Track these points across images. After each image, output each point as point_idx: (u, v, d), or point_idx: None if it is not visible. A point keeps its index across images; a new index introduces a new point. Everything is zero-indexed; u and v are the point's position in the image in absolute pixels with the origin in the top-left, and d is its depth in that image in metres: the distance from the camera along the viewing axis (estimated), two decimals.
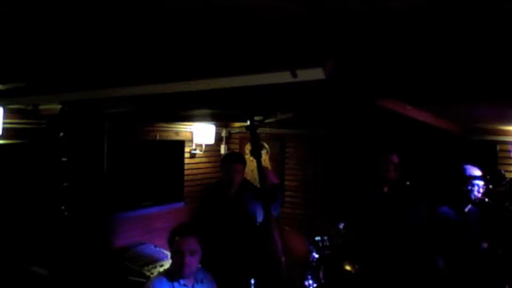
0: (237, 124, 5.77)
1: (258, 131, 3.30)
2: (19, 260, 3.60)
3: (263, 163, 3.72)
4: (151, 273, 3.94)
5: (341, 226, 4.38)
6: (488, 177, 3.25)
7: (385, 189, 3.10)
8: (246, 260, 3.39)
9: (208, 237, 2.73)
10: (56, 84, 2.43)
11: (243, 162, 3.65)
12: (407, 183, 3.20)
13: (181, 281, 2.50)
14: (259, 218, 3.58)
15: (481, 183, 3.25)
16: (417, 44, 1.46)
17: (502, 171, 3.33)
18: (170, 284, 2.47)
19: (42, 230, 3.72)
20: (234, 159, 3.69)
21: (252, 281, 3.37)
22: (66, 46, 1.65)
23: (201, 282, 2.60)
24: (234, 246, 3.38)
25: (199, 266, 2.61)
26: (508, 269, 3.16)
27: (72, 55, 1.80)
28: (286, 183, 5.78)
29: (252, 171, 5.68)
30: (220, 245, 3.30)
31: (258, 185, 3.44)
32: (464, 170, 3.29)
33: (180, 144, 5.52)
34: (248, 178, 4.03)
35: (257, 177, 3.31)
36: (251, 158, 3.39)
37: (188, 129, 5.53)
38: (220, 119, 5.47)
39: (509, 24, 1.15)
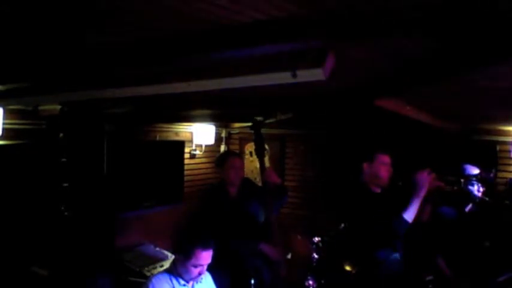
0: (237, 124, 5.77)
1: None
2: (19, 260, 3.60)
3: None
4: (151, 274, 3.94)
5: (341, 226, 4.38)
6: (479, 176, 3.24)
7: (378, 190, 3.08)
8: (247, 260, 3.39)
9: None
10: (56, 84, 2.43)
11: (240, 157, 3.65)
12: (400, 183, 3.18)
13: (182, 280, 2.50)
14: (261, 218, 3.57)
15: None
16: (417, 44, 1.47)
17: (491, 174, 3.31)
18: (170, 282, 2.48)
19: (42, 230, 3.72)
20: (230, 154, 3.69)
21: (252, 281, 3.37)
22: (66, 46, 1.65)
23: (200, 281, 2.61)
24: (235, 246, 3.37)
25: None
26: (509, 267, 3.16)
27: (72, 55, 1.80)
28: (286, 183, 5.77)
29: (252, 171, 5.69)
30: (222, 246, 3.29)
31: (260, 185, 3.43)
32: (463, 170, 3.30)
33: (180, 144, 5.52)
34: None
35: (257, 178, 3.31)
36: (251, 159, 3.39)
37: (188, 130, 5.53)
38: (220, 119, 5.47)
39: (508, 24, 1.15)
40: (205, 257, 2.45)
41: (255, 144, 3.26)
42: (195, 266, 2.44)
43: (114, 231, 4.19)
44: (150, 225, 4.98)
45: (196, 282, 2.58)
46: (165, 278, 2.49)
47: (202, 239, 2.48)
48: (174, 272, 2.52)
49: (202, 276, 2.61)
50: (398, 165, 3.11)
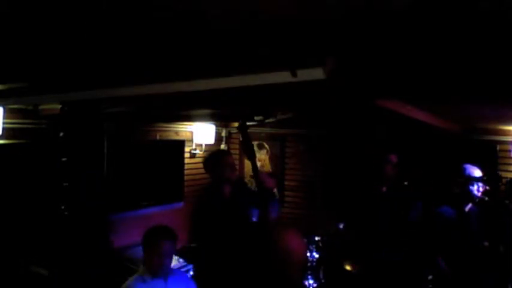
0: (237, 124, 5.76)
1: (257, 131, 3.29)
2: (19, 260, 3.60)
3: (263, 163, 3.70)
4: None
5: (341, 226, 4.38)
6: (485, 178, 3.25)
7: (384, 188, 3.10)
8: (245, 262, 3.38)
9: (207, 241, 2.73)
10: (56, 84, 2.44)
11: (231, 154, 3.65)
12: (405, 182, 3.20)
13: (155, 280, 2.61)
14: (256, 218, 3.55)
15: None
16: (418, 44, 1.46)
17: (499, 173, 3.33)
18: (143, 280, 2.60)
19: (42, 230, 3.72)
20: (222, 153, 3.68)
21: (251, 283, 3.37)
22: (66, 46, 1.65)
23: (173, 277, 2.70)
24: (232, 248, 3.36)
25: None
26: (509, 267, 3.16)
27: (72, 55, 1.80)
28: (286, 183, 5.78)
29: None
30: (220, 247, 3.28)
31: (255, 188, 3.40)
32: (464, 170, 3.29)
33: (180, 144, 5.52)
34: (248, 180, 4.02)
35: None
36: None
37: (188, 129, 5.53)
38: (220, 119, 5.47)
39: (509, 24, 1.15)
40: (164, 246, 2.61)
41: (243, 146, 3.25)
42: (158, 255, 2.59)
43: (114, 230, 4.19)
44: (150, 224, 4.97)
45: (169, 278, 2.66)
46: (138, 279, 2.62)
47: (161, 230, 2.73)
48: (145, 270, 2.64)
49: (176, 272, 2.73)
50: (405, 165, 3.13)
